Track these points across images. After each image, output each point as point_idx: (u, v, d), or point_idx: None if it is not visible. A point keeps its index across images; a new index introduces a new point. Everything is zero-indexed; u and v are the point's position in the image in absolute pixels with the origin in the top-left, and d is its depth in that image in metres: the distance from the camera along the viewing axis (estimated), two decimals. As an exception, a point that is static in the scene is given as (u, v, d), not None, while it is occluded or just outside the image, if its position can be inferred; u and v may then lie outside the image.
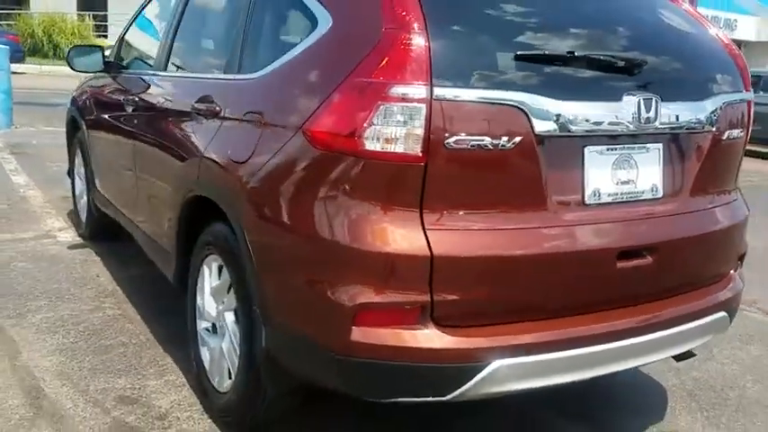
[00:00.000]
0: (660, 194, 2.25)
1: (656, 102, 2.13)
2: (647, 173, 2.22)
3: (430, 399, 1.96)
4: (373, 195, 1.89)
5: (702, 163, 2.35)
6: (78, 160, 4.78)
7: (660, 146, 2.24)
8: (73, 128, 4.83)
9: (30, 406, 2.65)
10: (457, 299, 1.91)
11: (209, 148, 2.49)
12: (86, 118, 4.32)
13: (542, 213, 2.02)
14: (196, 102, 2.67)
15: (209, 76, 2.79)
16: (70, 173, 5.11)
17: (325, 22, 2.10)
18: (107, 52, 4.15)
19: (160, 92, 3.21)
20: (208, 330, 2.69)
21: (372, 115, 1.84)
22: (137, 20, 4.00)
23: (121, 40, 4.07)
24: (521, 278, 1.99)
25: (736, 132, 2.44)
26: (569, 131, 2.01)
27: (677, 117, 2.22)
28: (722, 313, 2.41)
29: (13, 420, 2.54)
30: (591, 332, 2.06)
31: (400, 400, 2.01)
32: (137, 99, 3.38)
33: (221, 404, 2.55)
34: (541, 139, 1.96)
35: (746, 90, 2.50)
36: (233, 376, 2.45)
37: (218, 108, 2.51)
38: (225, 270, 2.48)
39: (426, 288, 1.87)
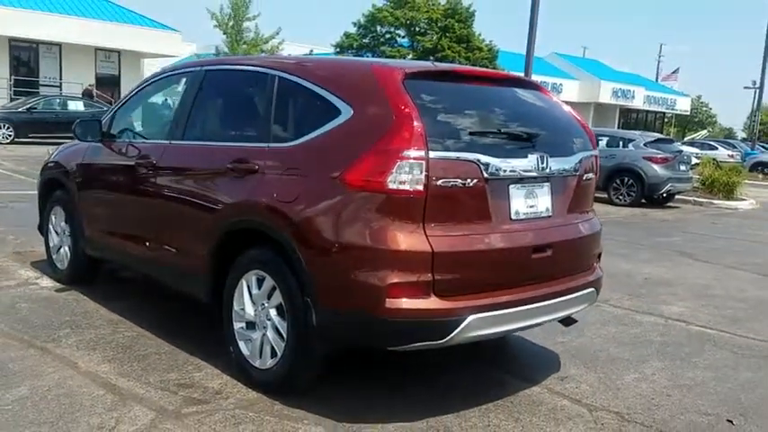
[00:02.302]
0: (551, 214, 3.61)
1: (547, 157, 3.51)
2: (543, 200, 3.57)
3: (433, 342, 3.15)
4: (393, 215, 3.08)
5: (573, 194, 3.75)
6: (57, 217, 5.51)
7: (549, 184, 3.60)
8: (49, 189, 5.59)
9: (113, 394, 3.50)
10: (448, 278, 3.12)
11: (254, 195, 3.55)
12: (78, 179, 5.11)
13: (489, 224, 3.30)
14: (231, 162, 3.71)
15: (241, 144, 3.83)
16: (41, 229, 5.80)
17: (347, 111, 3.29)
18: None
19: (183, 155, 4.19)
20: (243, 328, 3.70)
21: (393, 168, 3.05)
22: (133, 98, 4.95)
23: (113, 115, 4.97)
24: (480, 264, 3.25)
25: (590, 175, 3.88)
26: (500, 176, 3.32)
27: (559, 166, 3.61)
28: (592, 289, 3.81)
29: (109, 402, 3.40)
30: (521, 297, 3.35)
31: (415, 345, 3.17)
32: (153, 161, 4.31)
33: (263, 378, 3.56)
34: (487, 180, 3.25)
35: (594, 149, 3.96)
36: (278, 354, 3.47)
37: (256, 167, 3.59)
38: (267, 280, 3.53)
39: (430, 271, 3.08)
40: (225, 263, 3.79)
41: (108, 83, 26.82)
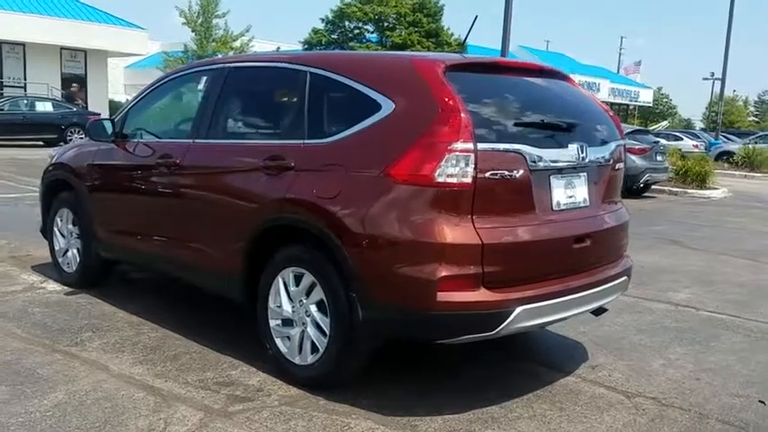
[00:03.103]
0: (588, 204, 3.65)
1: (586, 147, 3.55)
2: (580, 190, 3.61)
3: (483, 334, 3.16)
4: (442, 209, 3.08)
5: (606, 184, 3.80)
6: (63, 219, 5.38)
7: (586, 174, 3.64)
8: (54, 191, 5.45)
9: (154, 395, 3.44)
10: (497, 270, 3.13)
11: (291, 192, 3.50)
12: (90, 181, 4.99)
13: (533, 215, 3.33)
14: (264, 160, 3.67)
15: (274, 141, 3.80)
16: (44, 232, 5.65)
17: (388, 105, 3.27)
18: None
19: (209, 154, 4.11)
20: (279, 325, 3.67)
21: (441, 161, 3.05)
22: (147, 98, 4.85)
23: (126, 114, 4.87)
24: (527, 255, 3.28)
25: (621, 164, 3.94)
26: (543, 167, 3.35)
27: (595, 156, 3.65)
28: (625, 277, 3.87)
29: (152, 404, 3.35)
30: (564, 288, 3.38)
31: (464, 338, 3.18)
32: (176, 161, 4.22)
33: (305, 374, 3.53)
34: (531, 171, 3.27)
35: (622, 138, 4.01)
36: (320, 350, 3.45)
37: (291, 164, 3.55)
38: (305, 276, 3.50)
39: (479, 264, 3.09)
40: (259, 261, 3.75)
41: (74, 82, 26.24)
